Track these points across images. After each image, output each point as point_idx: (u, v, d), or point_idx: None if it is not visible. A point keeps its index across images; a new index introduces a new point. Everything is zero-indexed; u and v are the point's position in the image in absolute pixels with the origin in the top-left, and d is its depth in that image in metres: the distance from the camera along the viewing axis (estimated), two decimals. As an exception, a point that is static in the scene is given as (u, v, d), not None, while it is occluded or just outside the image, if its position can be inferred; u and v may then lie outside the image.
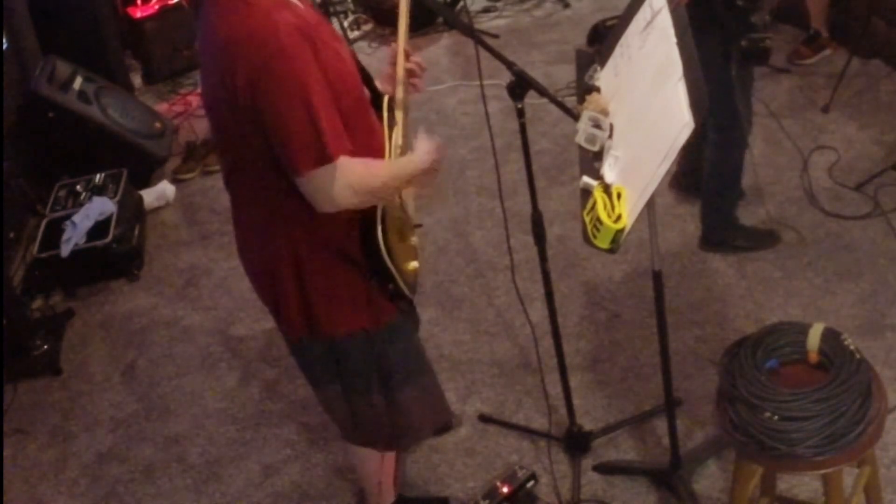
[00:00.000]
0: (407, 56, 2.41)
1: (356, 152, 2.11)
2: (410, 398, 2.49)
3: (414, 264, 2.44)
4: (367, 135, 2.22)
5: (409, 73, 2.43)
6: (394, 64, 2.42)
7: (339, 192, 2.07)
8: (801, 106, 4.37)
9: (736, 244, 3.67)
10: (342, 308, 2.28)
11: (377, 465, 2.72)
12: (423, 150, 2.29)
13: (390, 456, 2.76)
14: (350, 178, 2.08)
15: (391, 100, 2.37)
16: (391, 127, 2.34)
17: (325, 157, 2.03)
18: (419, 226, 2.56)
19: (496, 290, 3.75)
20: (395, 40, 2.44)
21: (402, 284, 2.27)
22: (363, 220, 2.19)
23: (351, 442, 2.63)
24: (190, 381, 3.67)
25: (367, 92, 2.33)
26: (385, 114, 2.34)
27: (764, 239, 3.66)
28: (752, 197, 3.88)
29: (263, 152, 2.07)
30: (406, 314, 2.47)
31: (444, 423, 2.75)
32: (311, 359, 2.43)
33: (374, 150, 2.23)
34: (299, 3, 2.10)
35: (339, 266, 2.23)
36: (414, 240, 2.49)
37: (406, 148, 2.39)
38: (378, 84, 2.44)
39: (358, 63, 2.31)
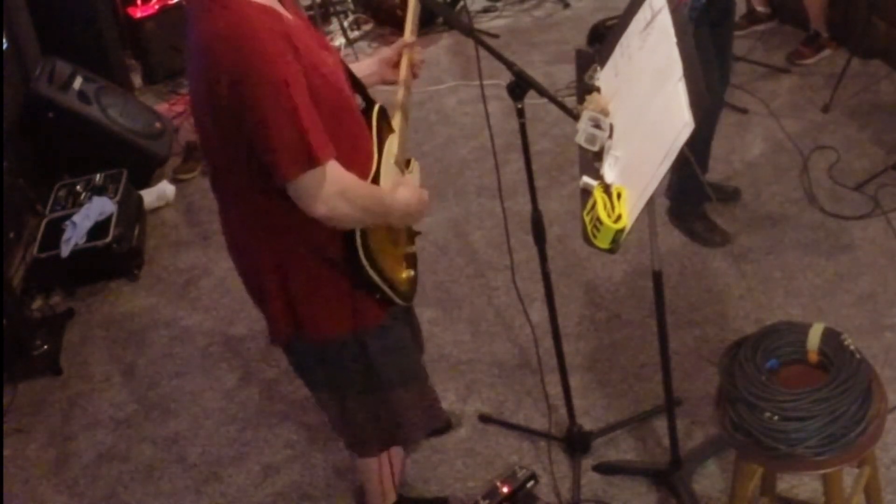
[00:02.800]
0: (413, 52, 2.41)
1: (340, 158, 2.08)
2: (403, 402, 2.47)
3: (409, 273, 2.40)
4: (351, 143, 2.18)
5: (414, 65, 2.43)
6: (397, 49, 2.42)
7: (328, 197, 2.04)
8: (801, 106, 4.37)
9: (693, 228, 3.71)
10: (327, 311, 2.25)
11: (377, 466, 2.71)
12: (418, 195, 2.30)
13: (393, 455, 2.75)
14: (340, 184, 2.06)
15: (383, 108, 2.36)
16: (383, 136, 2.31)
17: (311, 161, 2.00)
18: (418, 233, 2.54)
19: (496, 290, 3.75)
20: (399, 38, 2.44)
21: (390, 294, 2.25)
22: (344, 230, 2.16)
23: (351, 450, 2.62)
24: (190, 381, 3.67)
25: (358, 100, 2.31)
26: (375, 123, 2.30)
27: (717, 236, 3.70)
28: (750, 197, 3.89)
29: (246, 155, 2.05)
30: (396, 317, 2.43)
31: (438, 426, 2.74)
32: (302, 361, 2.42)
33: (358, 160, 2.19)
34: (283, 10, 2.07)
35: (324, 269, 2.21)
36: (412, 248, 2.46)
37: (402, 156, 2.37)
38: (373, 64, 2.43)
39: (348, 71, 2.30)
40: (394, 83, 2.45)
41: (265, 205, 2.14)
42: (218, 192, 2.26)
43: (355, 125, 2.24)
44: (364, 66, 2.49)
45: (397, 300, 2.29)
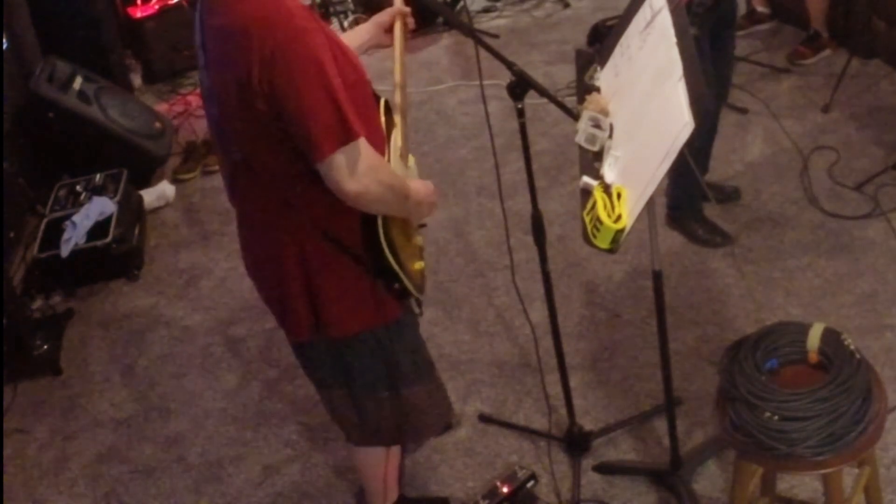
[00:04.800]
0: (405, 21, 2.45)
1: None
2: (417, 396, 2.48)
3: (420, 264, 2.43)
4: (372, 126, 2.20)
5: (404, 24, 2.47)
6: (392, 14, 2.45)
7: (362, 174, 2.04)
8: (801, 106, 4.37)
9: (693, 231, 3.72)
10: (350, 308, 2.27)
11: (381, 466, 2.71)
12: (428, 187, 2.33)
13: (394, 455, 2.75)
14: (372, 161, 2.08)
15: (388, 102, 2.37)
16: (389, 129, 2.33)
17: (349, 136, 2.01)
18: (423, 225, 2.56)
19: (496, 290, 3.75)
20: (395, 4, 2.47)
21: (408, 284, 2.27)
22: (365, 219, 2.18)
23: (355, 444, 2.62)
24: (190, 381, 3.67)
25: (371, 87, 2.33)
26: (383, 115, 2.33)
27: (718, 237, 3.70)
28: (750, 197, 3.89)
29: (275, 141, 2.05)
30: (411, 311, 2.46)
31: (448, 422, 2.75)
32: (317, 360, 2.42)
33: (378, 144, 2.21)
34: None
35: (345, 264, 2.22)
36: (419, 240, 2.49)
37: (406, 150, 2.38)
38: (369, 29, 2.47)
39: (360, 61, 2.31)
40: (388, 46, 2.47)
41: (289, 195, 2.14)
42: (237, 190, 2.25)
43: (373, 111, 2.26)
44: (361, 30, 2.52)
45: (413, 291, 2.31)
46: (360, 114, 2.09)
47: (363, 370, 2.38)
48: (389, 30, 2.47)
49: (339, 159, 2.02)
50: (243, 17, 1.98)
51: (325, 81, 1.97)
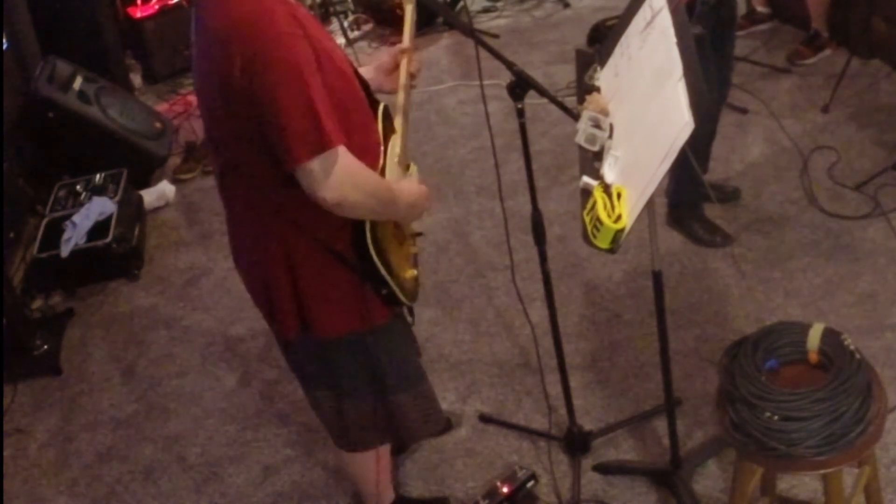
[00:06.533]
0: (410, 57, 2.42)
1: (352, 149, 2.09)
2: (403, 404, 2.48)
3: (412, 272, 2.41)
4: (361, 134, 2.20)
5: (411, 76, 2.44)
6: (394, 56, 2.44)
7: (338, 183, 2.04)
8: (801, 106, 4.37)
9: (693, 230, 3.72)
10: (335, 309, 2.26)
11: (372, 468, 2.71)
12: (421, 189, 2.32)
13: (384, 456, 2.75)
14: (350, 169, 2.07)
15: (387, 107, 2.36)
16: (387, 135, 2.32)
17: (323, 145, 2.00)
18: (419, 234, 2.55)
19: (496, 290, 3.75)
20: (399, 41, 2.45)
21: (396, 290, 2.26)
22: (353, 223, 2.18)
23: (341, 448, 2.62)
24: (190, 381, 3.68)
25: (363, 93, 2.32)
26: (381, 122, 2.32)
27: (718, 237, 3.70)
28: (750, 197, 3.89)
29: (259, 144, 2.05)
30: (400, 318, 2.45)
31: (438, 431, 2.73)
32: (302, 359, 2.43)
33: (370, 150, 2.22)
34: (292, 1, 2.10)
35: (333, 266, 2.22)
36: (413, 249, 2.47)
37: (405, 157, 2.37)
38: (370, 72, 2.45)
39: (352, 67, 2.30)
40: (391, 92, 2.45)
41: (276, 198, 2.14)
42: (226, 189, 2.25)
43: (365, 117, 2.25)
44: (361, 73, 2.50)
45: (402, 298, 2.29)
46: (347, 121, 2.09)
47: (348, 373, 2.38)
48: (390, 72, 2.46)
49: (314, 167, 2.01)
50: (228, 20, 1.98)
51: (302, 88, 1.97)
